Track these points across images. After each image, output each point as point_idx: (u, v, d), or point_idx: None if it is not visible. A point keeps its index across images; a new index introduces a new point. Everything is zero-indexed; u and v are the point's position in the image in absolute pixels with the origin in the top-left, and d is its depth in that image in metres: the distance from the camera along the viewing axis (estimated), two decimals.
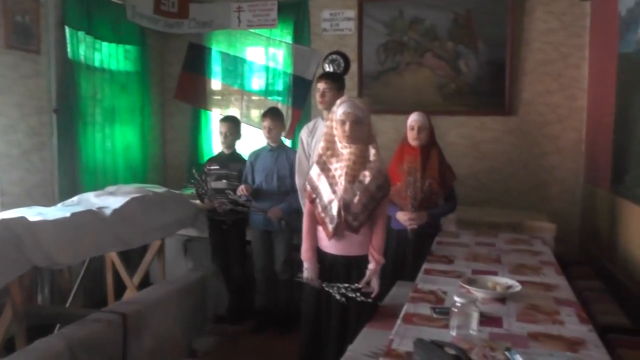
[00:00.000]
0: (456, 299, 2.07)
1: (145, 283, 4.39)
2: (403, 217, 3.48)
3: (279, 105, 5.31)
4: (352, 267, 2.89)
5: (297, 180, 4.05)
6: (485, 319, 2.14)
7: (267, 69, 5.64)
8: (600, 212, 4.39)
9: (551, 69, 5.02)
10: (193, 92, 5.81)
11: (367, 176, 2.81)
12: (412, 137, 3.56)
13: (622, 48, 3.89)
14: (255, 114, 5.60)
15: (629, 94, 3.75)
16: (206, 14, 5.55)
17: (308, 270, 2.93)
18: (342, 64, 5.33)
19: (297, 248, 3.09)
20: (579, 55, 4.96)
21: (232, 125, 4.72)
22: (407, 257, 3.43)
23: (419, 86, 5.20)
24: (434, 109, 4.79)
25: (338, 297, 2.82)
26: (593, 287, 3.56)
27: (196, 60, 5.78)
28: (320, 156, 2.90)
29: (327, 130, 2.89)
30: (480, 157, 5.16)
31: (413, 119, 3.58)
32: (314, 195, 2.90)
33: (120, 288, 4.41)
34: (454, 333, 2.02)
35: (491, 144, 5.15)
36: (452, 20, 5.10)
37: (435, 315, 2.22)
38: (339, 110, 2.81)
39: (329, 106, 3.28)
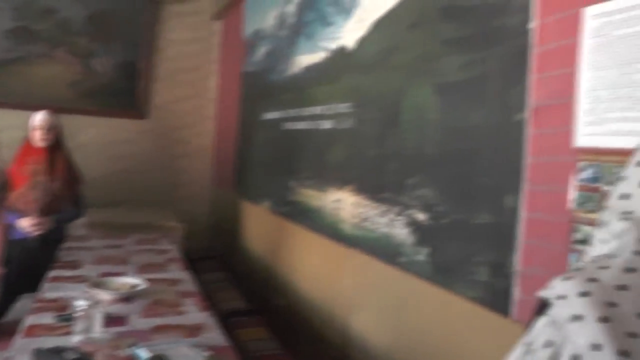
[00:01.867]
0: (77, 303, 2.01)
1: None
2: (27, 224, 3.18)
3: None
4: None
5: None
6: (112, 320, 2.13)
7: None
8: (226, 211, 4.81)
9: (183, 78, 5.28)
10: None
11: None
12: (38, 138, 3.29)
13: (244, 67, 4.35)
14: None
15: (248, 109, 4.21)
16: None
17: None
18: None
19: None
20: (209, 69, 5.35)
21: None
22: (33, 267, 3.14)
23: (50, 81, 4.81)
24: (65, 107, 4.53)
25: None
26: (218, 279, 3.90)
27: None
28: None
29: None
30: (113, 158, 5.07)
31: (40, 118, 3.30)
32: None
33: None
34: (78, 338, 1.96)
35: (124, 145, 5.13)
36: (87, 16, 4.89)
37: (58, 323, 2.12)
38: None
39: None
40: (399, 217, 2.07)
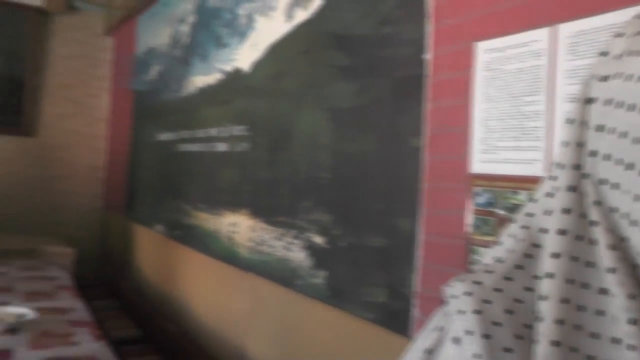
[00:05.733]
0: None
1: None
2: None
3: None
4: None
5: None
6: None
7: None
8: (116, 235, 4.63)
9: (70, 94, 5.05)
10: None
11: None
12: None
13: (136, 86, 4.25)
14: None
15: (139, 130, 4.11)
16: None
17: None
18: None
19: None
20: (99, 86, 5.16)
21: None
22: None
23: None
24: None
25: None
26: (108, 306, 3.75)
27: None
28: None
29: None
30: None
31: None
32: None
33: None
34: None
35: (5, 165, 4.79)
36: None
37: None
38: None
39: None
40: (296, 241, 2.11)
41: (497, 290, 0.56)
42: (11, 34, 4.72)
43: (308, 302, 2.04)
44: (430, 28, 1.63)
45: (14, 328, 2.29)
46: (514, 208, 1.34)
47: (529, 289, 0.56)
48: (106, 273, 4.76)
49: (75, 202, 5.09)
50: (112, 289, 4.21)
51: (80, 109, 5.10)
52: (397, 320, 1.66)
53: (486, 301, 0.55)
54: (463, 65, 1.51)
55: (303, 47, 2.20)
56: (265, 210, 2.30)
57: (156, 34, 3.89)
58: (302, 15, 2.22)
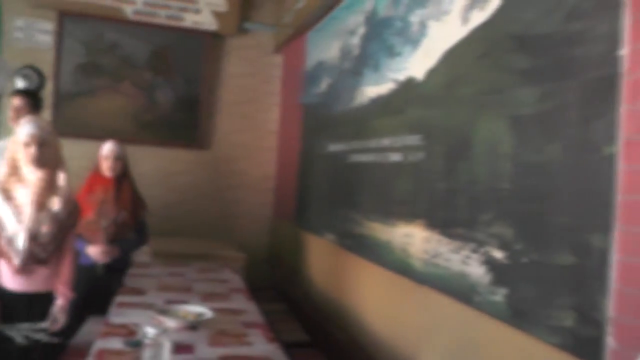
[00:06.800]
0: (147, 330, 2.04)
1: None
2: (95, 251, 3.25)
3: None
4: (35, 304, 2.60)
5: None
6: (179, 348, 2.15)
7: None
8: (285, 242, 4.81)
9: (241, 110, 5.37)
10: None
11: (56, 203, 2.59)
12: (106, 167, 3.37)
13: (306, 99, 4.39)
14: None
15: (309, 141, 4.23)
16: None
17: None
18: (36, 80, 4.85)
19: None
20: (269, 101, 5.43)
21: None
22: (97, 293, 3.20)
23: (114, 113, 5.01)
24: (128, 138, 4.62)
25: (20, 339, 2.51)
26: (277, 310, 3.89)
27: None
28: (2, 183, 2.58)
29: (10, 154, 2.59)
30: (172, 188, 5.18)
31: (109, 148, 3.40)
32: None
33: None
34: None
35: (183, 176, 5.23)
36: (151, 51, 5.10)
37: (128, 349, 2.14)
38: (23, 131, 2.54)
39: None
40: (474, 255, 2.01)
41: None
42: (190, 58, 5.17)
43: (486, 320, 1.92)
44: (626, 20, 1.46)
45: (194, 325, 2.44)
46: None
47: None
48: (275, 278, 4.96)
49: (247, 210, 5.39)
50: (280, 294, 4.37)
51: (251, 123, 5.40)
52: (588, 348, 1.50)
53: None
54: None
55: (481, 51, 2.10)
56: (441, 221, 2.23)
57: (325, 48, 3.99)
58: (478, 17, 2.12)
